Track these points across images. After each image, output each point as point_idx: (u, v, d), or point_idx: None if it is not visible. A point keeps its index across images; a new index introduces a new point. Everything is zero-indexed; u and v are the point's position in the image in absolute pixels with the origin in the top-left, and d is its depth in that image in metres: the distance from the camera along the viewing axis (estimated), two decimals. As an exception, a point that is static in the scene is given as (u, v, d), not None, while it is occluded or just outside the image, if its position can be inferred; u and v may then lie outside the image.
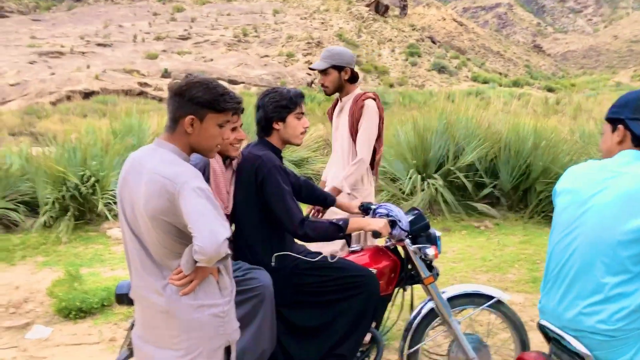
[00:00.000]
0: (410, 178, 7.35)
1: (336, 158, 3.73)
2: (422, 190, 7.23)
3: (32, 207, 7.34)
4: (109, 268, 5.68)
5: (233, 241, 2.63)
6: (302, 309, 2.65)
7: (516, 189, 7.50)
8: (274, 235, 2.63)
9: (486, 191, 7.45)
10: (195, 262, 1.92)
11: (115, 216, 7.09)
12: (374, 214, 2.86)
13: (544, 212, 7.18)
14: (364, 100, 3.56)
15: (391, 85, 47.65)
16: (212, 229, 1.83)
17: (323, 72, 3.65)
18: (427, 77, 59.29)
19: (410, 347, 2.86)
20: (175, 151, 1.98)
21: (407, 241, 2.76)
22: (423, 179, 7.39)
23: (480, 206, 7.30)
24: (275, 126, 2.70)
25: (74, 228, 6.90)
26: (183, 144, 2.01)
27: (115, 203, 7.14)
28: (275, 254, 2.61)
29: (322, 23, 67.81)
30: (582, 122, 9.81)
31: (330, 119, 3.90)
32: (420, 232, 2.79)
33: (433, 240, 2.81)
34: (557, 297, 1.92)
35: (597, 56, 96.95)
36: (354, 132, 3.56)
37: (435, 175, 7.37)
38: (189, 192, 1.85)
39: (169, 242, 1.94)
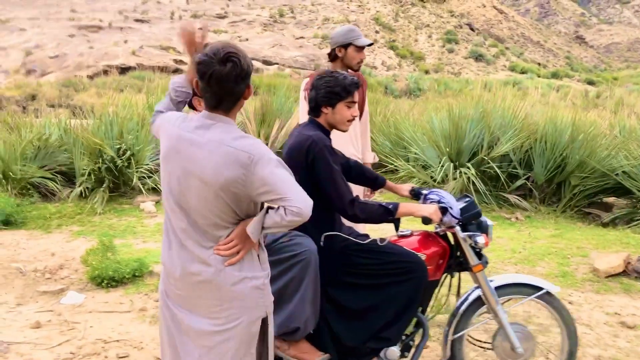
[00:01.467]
0: (442, 166, 7.28)
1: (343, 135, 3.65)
2: (454, 179, 7.16)
3: (68, 177, 7.53)
4: (141, 240, 5.80)
5: None
6: (349, 290, 2.67)
7: (550, 182, 7.37)
8: (324, 215, 2.64)
9: (519, 183, 7.34)
10: (262, 229, 2.00)
11: (149, 190, 7.23)
12: (425, 200, 2.85)
13: (577, 207, 7.06)
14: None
15: (426, 72, 47.06)
16: (304, 193, 1.95)
17: (364, 48, 3.70)
18: (463, 64, 58.36)
19: (455, 333, 2.87)
20: (236, 125, 2.04)
21: (458, 228, 2.73)
22: (455, 168, 7.32)
23: (512, 198, 7.20)
24: (324, 110, 2.69)
25: (108, 200, 7.06)
26: (235, 118, 2.08)
27: (149, 177, 7.28)
28: (325, 234, 2.63)
29: (359, 6, 67.14)
30: (623, 117, 9.54)
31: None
32: (471, 219, 2.76)
33: (484, 229, 2.77)
34: None
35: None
36: (362, 108, 3.89)
37: (468, 164, 7.28)
38: (271, 163, 1.93)
39: (227, 212, 2.00)
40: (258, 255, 2.11)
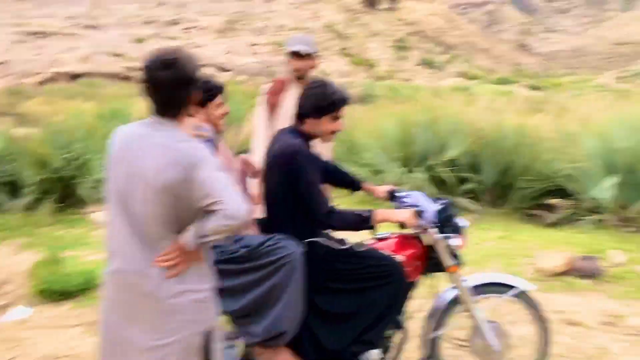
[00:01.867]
0: (394, 171, 7.41)
1: None
2: (406, 183, 7.29)
3: (15, 188, 7.29)
4: (91, 252, 5.67)
5: (266, 226, 2.71)
6: (331, 295, 2.69)
7: (498, 185, 7.58)
8: (305, 222, 2.66)
9: (468, 186, 7.53)
10: (200, 238, 1.97)
11: (99, 200, 7.07)
12: (401, 203, 2.89)
13: (524, 209, 7.28)
14: None
15: (378, 79, 47.63)
16: (239, 197, 1.94)
17: (306, 56, 3.69)
18: (414, 71, 59.40)
19: (432, 332, 2.94)
20: (183, 130, 2.05)
21: (434, 230, 2.76)
22: (406, 172, 7.46)
23: (462, 201, 7.38)
24: (308, 120, 2.70)
25: (56, 211, 6.87)
26: (184, 125, 2.08)
27: (98, 187, 7.12)
28: (307, 240, 2.64)
29: (313, 13, 67.52)
30: (566, 122, 9.89)
31: (273, 101, 3.89)
32: (447, 221, 2.80)
33: (459, 230, 2.84)
34: None
35: (583, 57, 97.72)
36: None
37: (419, 169, 7.43)
38: (210, 165, 1.94)
39: (169, 220, 1.97)
40: (202, 267, 2.09)
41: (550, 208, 7.27)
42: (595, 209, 6.55)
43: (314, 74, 3.97)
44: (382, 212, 2.65)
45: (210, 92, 2.86)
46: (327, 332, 2.66)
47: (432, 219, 2.75)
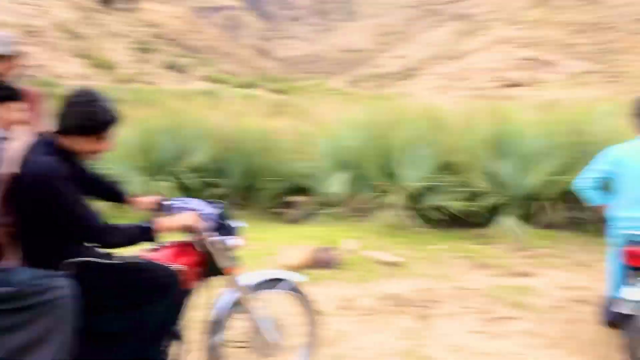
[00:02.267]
0: (136, 180, 7.13)
1: None
2: (150, 192, 7.07)
3: None
4: None
5: (25, 255, 2.33)
6: (106, 315, 2.42)
7: (245, 187, 7.82)
8: (68, 243, 2.35)
9: (215, 191, 7.61)
10: None
11: None
12: (174, 210, 2.74)
13: (270, 208, 7.65)
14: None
15: (120, 82, 45.50)
16: None
17: (2, 57, 3.33)
18: (158, 74, 58.20)
19: (212, 338, 2.87)
20: None
21: (210, 233, 2.67)
22: (150, 181, 7.23)
23: (214, 206, 7.45)
24: (71, 136, 2.36)
25: None
26: None
27: None
28: (72, 260, 2.32)
29: (39, 10, 61.32)
30: (304, 124, 10.65)
31: None
32: (222, 223, 2.76)
33: (235, 231, 2.81)
34: None
35: (317, 62, 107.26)
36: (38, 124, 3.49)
37: (164, 177, 7.27)
38: None
39: None
40: None
41: (292, 205, 7.77)
42: (331, 203, 7.18)
43: (14, 75, 3.56)
44: (164, 220, 2.52)
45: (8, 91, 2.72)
46: (104, 355, 2.45)
47: (216, 221, 2.72)
